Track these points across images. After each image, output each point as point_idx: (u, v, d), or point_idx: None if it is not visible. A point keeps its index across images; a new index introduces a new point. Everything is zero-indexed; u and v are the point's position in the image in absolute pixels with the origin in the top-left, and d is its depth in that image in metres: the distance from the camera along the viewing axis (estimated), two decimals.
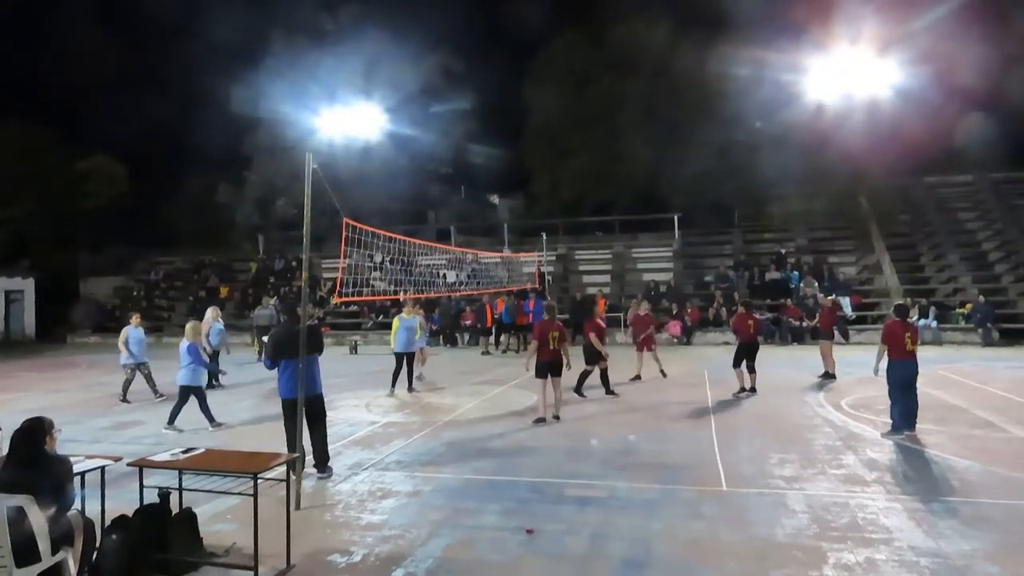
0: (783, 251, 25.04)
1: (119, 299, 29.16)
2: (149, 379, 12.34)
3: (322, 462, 7.29)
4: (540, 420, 9.76)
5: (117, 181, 33.44)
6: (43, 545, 4.08)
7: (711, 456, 7.87)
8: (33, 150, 30.48)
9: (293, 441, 6.73)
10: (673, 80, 28.05)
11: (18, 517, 3.99)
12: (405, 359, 12.72)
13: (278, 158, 28.90)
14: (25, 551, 4.01)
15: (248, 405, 11.77)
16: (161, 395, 12.05)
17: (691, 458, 7.83)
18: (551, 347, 9.81)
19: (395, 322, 13.04)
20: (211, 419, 9.85)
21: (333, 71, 27.59)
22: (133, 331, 12.34)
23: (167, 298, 28.85)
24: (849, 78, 24.05)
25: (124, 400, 11.96)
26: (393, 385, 12.58)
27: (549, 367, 9.85)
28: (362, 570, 4.98)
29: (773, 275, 23.73)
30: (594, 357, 11.57)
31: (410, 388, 12.76)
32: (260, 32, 29.81)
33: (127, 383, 12.19)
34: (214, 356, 13.38)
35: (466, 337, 22.23)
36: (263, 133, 29.55)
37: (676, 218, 27.33)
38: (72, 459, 4.82)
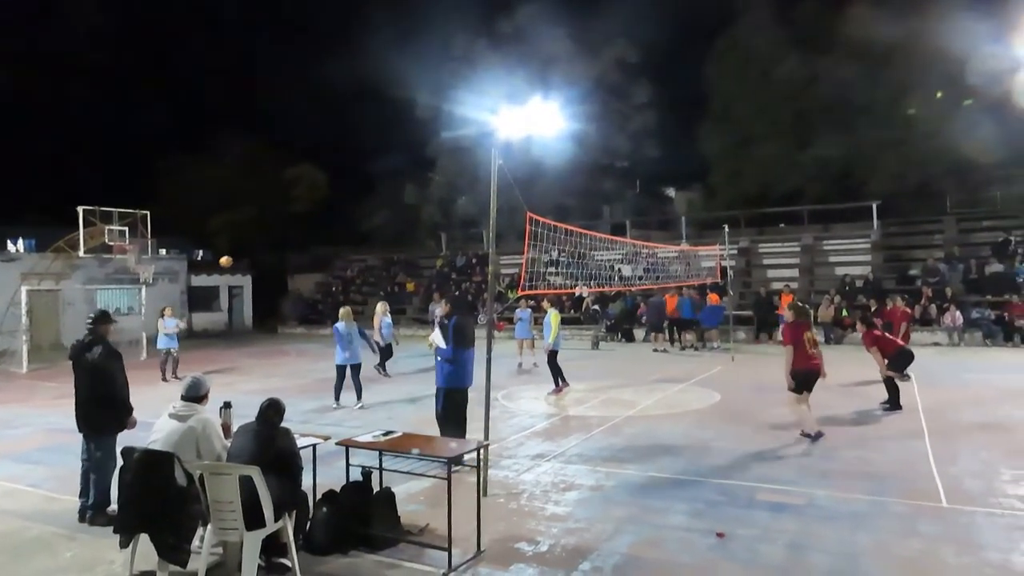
0: (1011, 239, 21.89)
1: (320, 294, 32.00)
2: None
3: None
4: (818, 435, 8.18)
5: (319, 187, 36.91)
6: (267, 512, 4.50)
7: (925, 467, 7.06)
8: (251, 161, 34.52)
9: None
10: (870, 56, 25.61)
11: (249, 485, 4.43)
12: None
13: (459, 159, 30.19)
14: (253, 516, 4.45)
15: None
16: None
17: (901, 468, 7.08)
18: (808, 351, 8.32)
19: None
20: None
21: (511, 71, 28.25)
22: None
23: (361, 293, 31.17)
24: None
25: None
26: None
27: (812, 377, 8.35)
28: (549, 560, 5.01)
29: (995, 267, 20.90)
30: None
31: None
32: (441, 38, 31.36)
33: None
34: (387, 348, 14.65)
35: (642, 333, 21.83)
36: (445, 135, 30.97)
37: (875, 206, 24.93)
38: None
